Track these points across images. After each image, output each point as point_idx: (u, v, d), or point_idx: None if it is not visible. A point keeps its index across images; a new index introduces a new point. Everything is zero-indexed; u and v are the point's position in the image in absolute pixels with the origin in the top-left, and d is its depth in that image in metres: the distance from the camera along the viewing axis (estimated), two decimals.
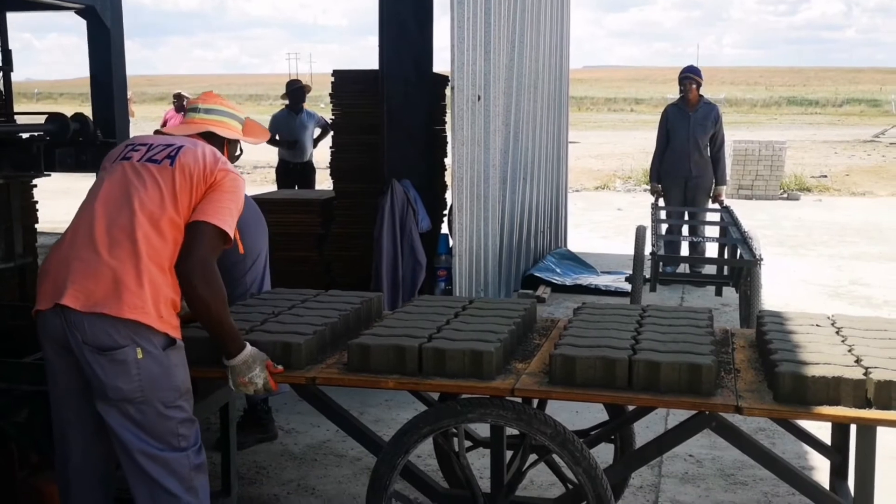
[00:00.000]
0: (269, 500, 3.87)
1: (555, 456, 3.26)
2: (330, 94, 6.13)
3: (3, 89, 4.53)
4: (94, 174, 3.84)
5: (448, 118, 5.92)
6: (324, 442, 4.52)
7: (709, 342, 2.95)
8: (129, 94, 14.80)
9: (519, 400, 2.83)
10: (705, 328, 3.17)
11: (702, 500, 3.93)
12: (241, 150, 3.25)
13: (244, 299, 4.26)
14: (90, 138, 3.66)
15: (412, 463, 3.01)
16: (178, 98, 16.20)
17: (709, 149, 8.38)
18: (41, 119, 3.84)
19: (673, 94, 8.59)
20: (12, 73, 4.54)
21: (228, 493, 3.69)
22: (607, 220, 12.98)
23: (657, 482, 4.10)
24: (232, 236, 2.79)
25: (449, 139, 5.57)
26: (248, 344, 2.79)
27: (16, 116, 4.72)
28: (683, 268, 8.35)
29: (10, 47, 4.50)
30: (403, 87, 5.60)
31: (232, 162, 3.09)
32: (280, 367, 2.86)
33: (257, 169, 20.43)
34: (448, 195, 6.31)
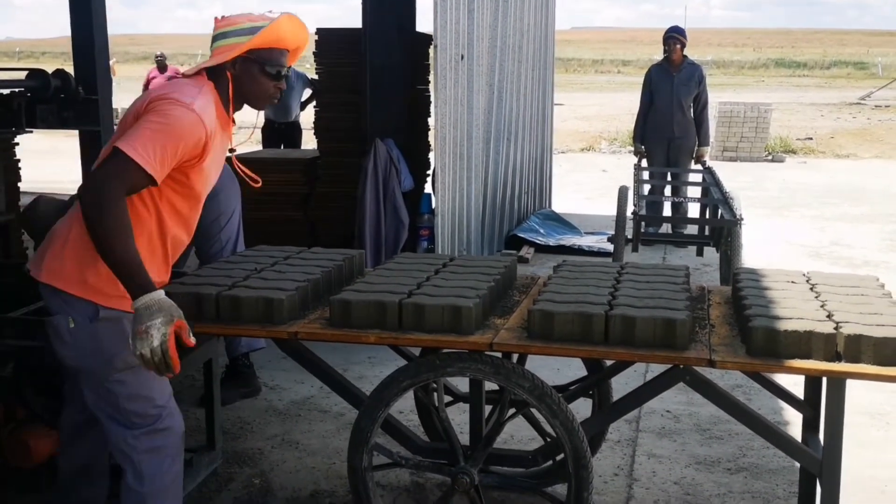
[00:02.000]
0: (254, 455, 3.93)
1: (533, 410, 3.33)
2: (314, 53, 6.11)
3: None
4: (77, 132, 3.86)
5: (431, 77, 5.91)
6: (308, 398, 4.58)
7: (684, 298, 3.00)
8: (112, 60, 14.76)
9: (499, 355, 2.89)
10: (682, 285, 3.21)
11: (677, 454, 4.02)
12: (278, 72, 2.67)
13: (220, 256, 4.32)
14: (72, 95, 3.66)
15: (392, 416, 3.06)
16: (161, 57, 16.09)
17: (692, 109, 8.41)
18: (22, 76, 3.83)
19: (660, 55, 8.56)
20: None
21: (213, 448, 3.76)
22: (592, 182, 13.02)
23: (634, 437, 4.18)
24: (140, 162, 2.37)
25: (432, 98, 5.57)
26: (161, 292, 2.40)
27: None
28: (666, 228, 8.42)
29: None
30: (386, 46, 5.59)
31: (264, 99, 2.70)
32: (192, 341, 2.45)
33: (242, 129, 20.34)
34: (432, 155, 6.33)
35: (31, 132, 3.68)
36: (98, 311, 2.51)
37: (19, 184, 5.58)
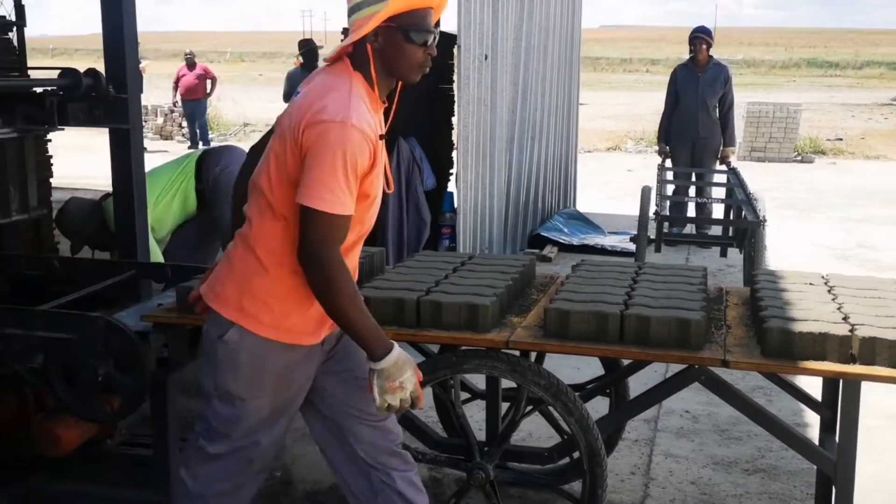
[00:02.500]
0: None
1: (550, 408, 3.37)
2: None
3: (16, 45, 4.60)
4: (107, 129, 3.94)
5: (455, 77, 5.95)
6: None
7: (700, 299, 3.03)
8: (145, 62, 14.83)
9: (516, 353, 2.93)
10: (698, 285, 3.24)
11: (695, 455, 4.04)
12: (432, 38, 2.37)
13: None
14: (102, 93, 3.73)
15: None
16: (190, 55, 16.26)
17: (718, 110, 8.38)
18: (54, 74, 3.91)
19: (689, 54, 8.53)
20: (26, 29, 4.61)
21: None
22: (617, 181, 13.00)
23: (652, 436, 4.21)
24: (338, 211, 2.22)
25: (455, 98, 5.62)
26: (395, 344, 2.35)
27: (29, 71, 4.80)
28: (690, 229, 8.41)
29: (23, 2, 4.57)
30: None
31: (415, 71, 2.39)
32: (420, 375, 2.43)
33: (269, 127, 20.47)
34: (454, 154, 6.37)
35: (63, 129, 3.76)
36: (227, 332, 2.40)
37: (51, 180, 5.71)
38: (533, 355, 3.33)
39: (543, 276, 3.70)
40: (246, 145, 17.93)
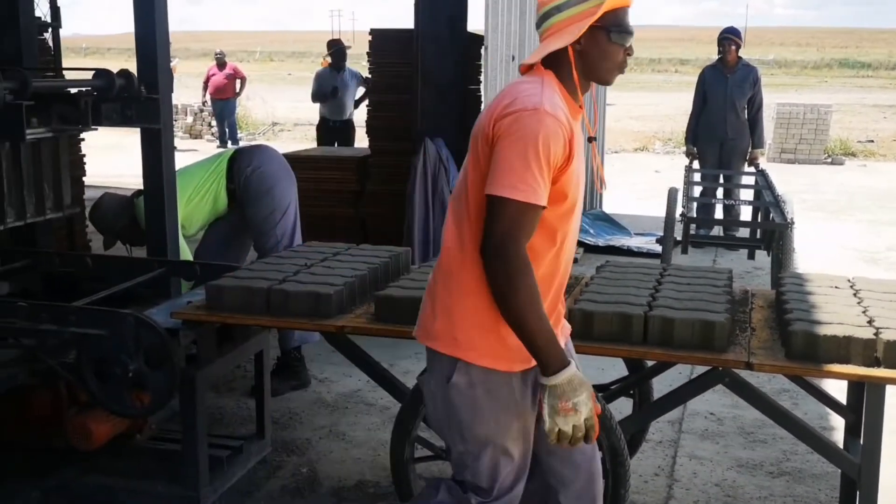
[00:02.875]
0: (302, 444, 4.05)
1: None
2: (367, 53, 6.22)
3: (51, 45, 4.68)
4: (139, 129, 4.01)
5: (482, 78, 5.98)
6: (355, 391, 4.69)
7: (724, 301, 3.03)
8: (175, 61, 14.97)
9: None
10: (723, 288, 3.25)
11: (719, 457, 4.04)
12: (631, 38, 2.25)
13: (276, 251, 4.45)
14: (134, 94, 3.79)
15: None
16: (221, 55, 16.40)
17: (746, 111, 8.34)
18: (87, 74, 3.99)
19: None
20: (61, 29, 4.69)
21: (263, 436, 3.89)
22: (645, 182, 12.96)
23: (677, 438, 4.21)
24: (527, 199, 2.07)
25: (483, 99, 5.64)
26: (572, 361, 2.16)
27: (63, 72, 4.88)
28: (717, 230, 8.37)
29: (58, 4, 4.65)
30: (438, 46, 5.66)
31: (614, 73, 2.27)
32: (600, 408, 2.27)
33: (298, 126, 20.63)
34: None
35: (97, 129, 3.83)
36: (453, 373, 2.25)
37: (84, 178, 5.81)
38: None
39: (570, 276, 3.71)
40: (275, 145, 18.06)
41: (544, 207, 2.12)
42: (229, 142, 16.47)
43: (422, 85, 5.58)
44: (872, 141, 18.50)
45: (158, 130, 3.95)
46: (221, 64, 16.17)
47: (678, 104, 27.42)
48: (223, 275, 3.39)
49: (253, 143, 5.09)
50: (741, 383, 2.95)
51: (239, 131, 17.64)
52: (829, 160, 16.03)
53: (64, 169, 4.09)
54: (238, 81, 16.35)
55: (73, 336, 3.25)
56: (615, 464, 2.91)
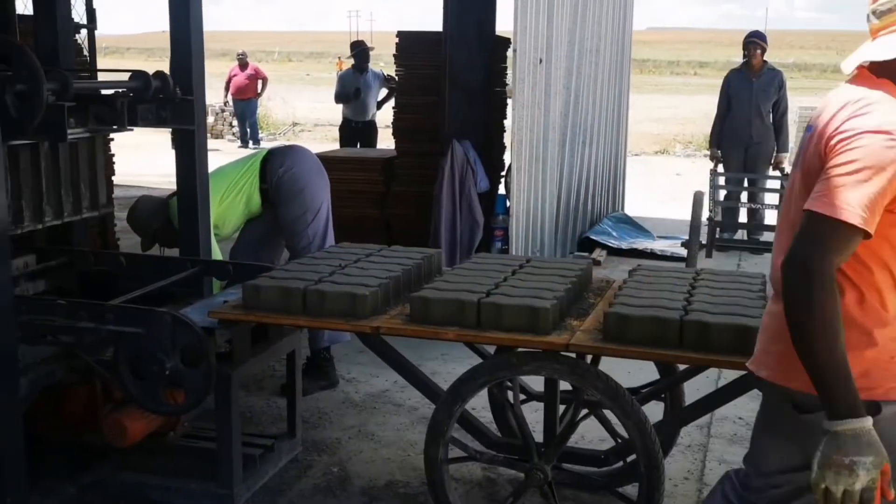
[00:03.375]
0: (332, 444, 4.08)
1: (605, 411, 3.40)
2: (394, 55, 6.26)
3: (85, 46, 4.73)
4: (169, 129, 4.06)
5: (509, 80, 6.00)
6: (383, 391, 4.72)
7: (760, 305, 3.04)
8: None
9: (573, 356, 2.97)
10: (758, 292, 3.25)
11: None
12: None
13: (308, 251, 4.49)
14: (170, 95, 3.83)
15: (468, 412, 3.17)
16: (242, 55, 16.48)
17: (771, 115, 8.32)
18: (121, 76, 4.03)
19: (739, 57, 8.48)
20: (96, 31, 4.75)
21: (294, 436, 3.92)
22: (666, 185, 12.94)
23: (706, 442, 4.21)
24: (845, 218, 1.83)
25: (510, 101, 5.67)
26: (868, 416, 1.86)
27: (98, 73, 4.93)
28: (741, 234, 8.35)
29: (94, 6, 4.70)
30: (466, 48, 5.69)
31: None
32: (893, 493, 1.89)
33: (318, 127, 20.71)
34: (506, 156, 6.42)
35: (132, 130, 3.88)
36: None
37: (112, 177, 5.87)
38: (588, 358, 3.37)
39: (599, 279, 3.73)
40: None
41: (868, 236, 1.87)
42: (250, 142, 16.55)
43: (450, 87, 5.61)
44: None
45: (192, 131, 3.99)
46: (243, 64, 16.25)
47: (697, 107, 27.32)
48: (259, 275, 3.42)
49: (286, 143, 5.11)
50: None
51: (260, 131, 17.72)
52: None
53: (100, 168, 4.14)
54: (259, 82, 16.43)
55: (111, 334, 3.28)
56: (650, 467, 2.93)
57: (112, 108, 3.82)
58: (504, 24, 5.95)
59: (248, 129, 16.73)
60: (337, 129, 11.59)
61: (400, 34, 6.25)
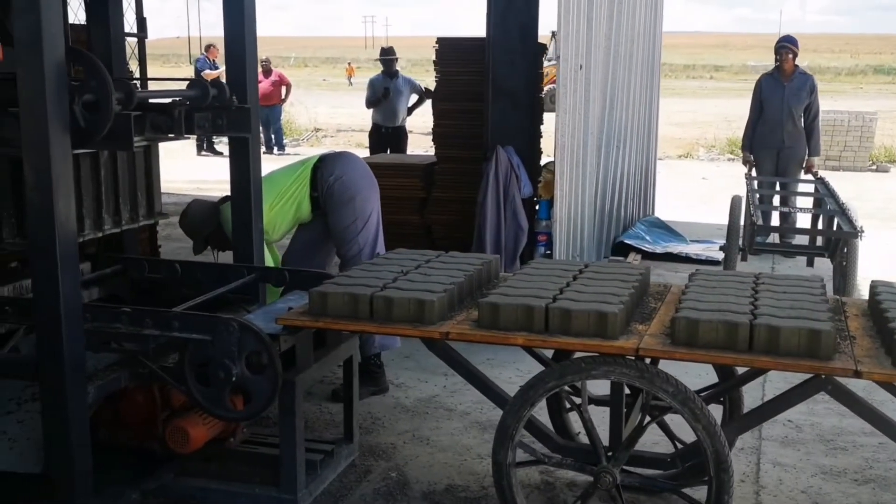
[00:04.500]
0: (387, 449, 4.10)
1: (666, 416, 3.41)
2: (434, 62, 6.29)
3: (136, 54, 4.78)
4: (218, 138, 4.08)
5: (550, 86, 6.02)
6: (433, 396, 4.74)
7: (825, 309, 3.05)
8: (221, 70, 15.09)
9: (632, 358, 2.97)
10: (820, 295, 3.26)
11: (802, 464, 4.04)
12: None
13: (358, 258, 4.51)
14: (226, 103, 3.87)
15: (534, 416, 3.19)
16: (266, 62, 16.54)
17: (803, 119, 8.32)
18: (173, 84, 4.08)
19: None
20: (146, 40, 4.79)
21: (351, 441, 3.94)
22: (693, 189, 12.93)
23: (758, 445, 4.21)
24: None
25: (556, 107, 5.67)
26: None
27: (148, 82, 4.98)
28: (772, 238, 8.34)
29: (144, 14, 4.75)
30: (509, 54, 5.72)
31: None
32: None
33: (340, 132, 20.77)
34: (542, 161, 6.44)
35: (189, 138, 3.92)
36: None
37: None
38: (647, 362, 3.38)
39: (657, 284, 3.75)
40: (319, 149, 18.16)
41: None
42: (275, 148, 16.62)
43: (493, 93, 5.64)
44: None
45: (247, 139, 4.03)
46: (267, 71, 16.32)
47: (716, 111, 27.30)
48: (322, 281, 3.45)
49: (336, 150, 5.15)
50: (844, 391, 2.96)
51: (283, 137, 17.80)
52: (875, 168, 15.88)
53: (155, 177, 4.18)
54: (284, 88, 16.50)
55: (177, 341, 3.32)
56: (719, 469, 2.94)
57: (169, 116, 3.86)
58: (543, 30, 5.97)
59: (273, 136, 16.80)
60: (361, 134, 11.66)
61: (439, 40, 6.28)
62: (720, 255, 7.34)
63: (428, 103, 8.96)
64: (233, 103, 3.92)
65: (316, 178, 4.57)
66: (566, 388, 3.16)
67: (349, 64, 53.61)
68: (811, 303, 3.13)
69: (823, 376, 2.89)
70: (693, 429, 2.96)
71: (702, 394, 3.66)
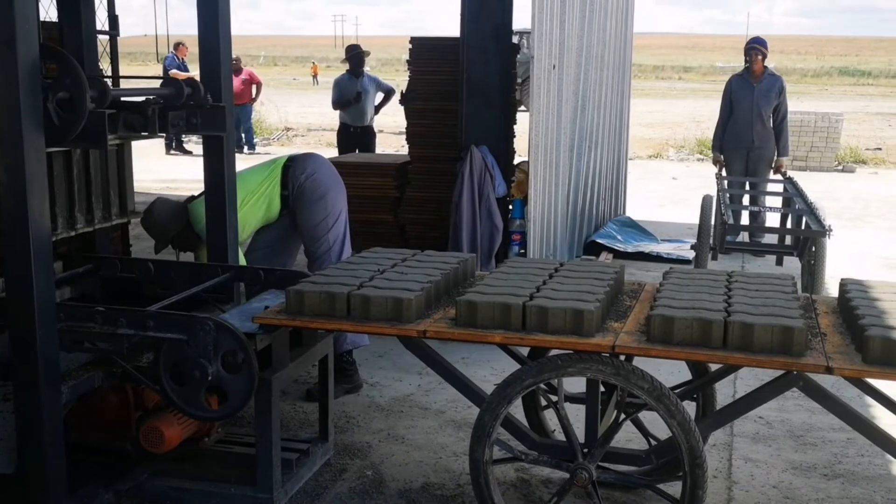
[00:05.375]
0: (363, 447, 4.10)
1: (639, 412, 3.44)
2: (407, 61, 6.29)
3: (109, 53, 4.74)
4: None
5: (519, 85, 6.05)
6: (407, 395, 4.74)
7: (797, 306, 3.10)
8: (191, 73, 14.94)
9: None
10: (791, 293, 3.31)
11: (773, 459, 4.10)
12: None
13: (328, 256, 4.53)
14: (200, 102, 3.84)
15: (511, 414, 3.20)
16: (236, 61, 16.43)
17: (772, 120, 8.43)
18: (145, 83, 4.05)
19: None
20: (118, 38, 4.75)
21: (326, 439, 3.94)
22: (663, 189, 13.04)
23: (730, 441, 4.27)
24: None
25: (529, 107, 5.70)
26: None
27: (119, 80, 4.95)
28: (742, 237, 8.45)
29: (116, 12, 4.71)
30: (483, 54, 5.73)
31: None
32: None
33: (311, 131, 20.70)
34: (515, 161, 6.47)
35: (162, 136, 3.89)
36: None
37: None
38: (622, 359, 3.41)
39: (631, 283, 3.78)
40: (290, 149, 18.09)
41: None
42: (245, 147, 16.52)
43: (466, 93, 5.65)
44: (880, 148, 18.59)
45: (221, 138, 4.01)
46: (237, 70, 16.21)
47: (685, 111, 27.53)
48: (300, 280, 3.44)
49: (306, 151, 5.15)
50: (815, 387, 3.01)
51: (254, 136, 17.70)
52: (841, 168, 16.11)
53: (128, 175, 4.15)
54: (254, 87, 16.41)
55: (152, 340, 3.29)
56: (693, 465, 2.97)
57: (143, 114, 3.83)
58: (516, 28, 6.00)
59: (244, 135, 16.70)
60: (331, 133, 11.64)
61: (413, 40, 6.29)
62: (691, 255, 7.42)
63: (395, 102, 8.97)
64: (207, 102, 3.90)
65: (286, 176, 4.57)
66: (542, 385, 3.19)
67: (314, 64, 53.96)
68: (783, 300, 3.18)
69: (795, 372, 2.94)
70: (668, 425, 2.99)
71: (676, 390, 3.71)
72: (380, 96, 10.81)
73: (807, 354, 2.87)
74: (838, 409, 3.05)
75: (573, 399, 3.63)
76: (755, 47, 8.36)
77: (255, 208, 4.58)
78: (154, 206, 4.66)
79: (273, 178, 4.60)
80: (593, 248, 7.94)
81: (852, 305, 3.17)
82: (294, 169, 4.60)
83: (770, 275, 3.64)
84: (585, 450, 3.15)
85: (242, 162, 5.06)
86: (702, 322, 2.90)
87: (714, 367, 3.54)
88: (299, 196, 4.58)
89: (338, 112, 10.77)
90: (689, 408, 3.77)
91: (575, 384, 3.54)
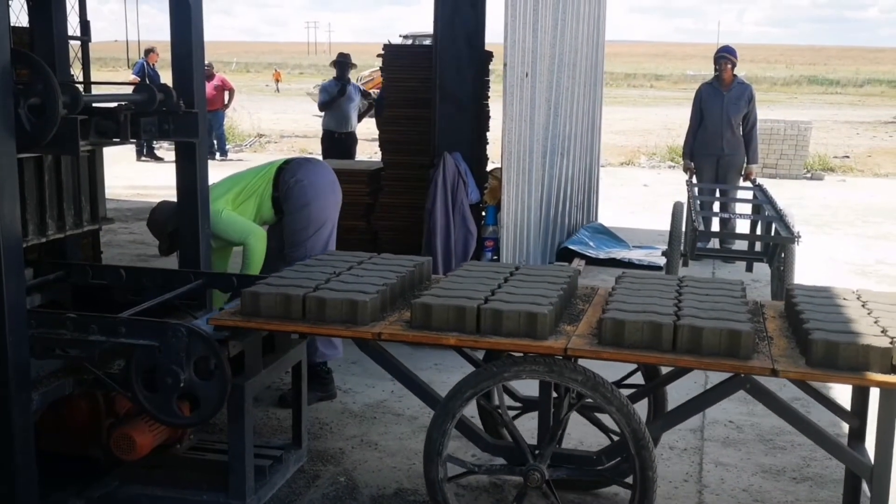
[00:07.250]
0: (336, 454, 4.12)
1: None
2: (380, 68, 6.32)
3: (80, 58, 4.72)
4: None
5: (492, 94, 6.10)
6: (381, 401, 4.76)
7: (745, 311, 3.17)
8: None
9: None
10: (740, 298, 3.38)
11: (743, 463, 4.16)
12: None
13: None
14: (173, 108, 3.85)
15: (464, 416, 3.22)
16: (209, 66, 16.36)
17: (741, 128, 8.55)
18: (117, 89, 4.05)
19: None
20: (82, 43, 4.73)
21: (299, 446, 3.94)
22: (634, 196, 13.15)
23: (700, 445, 4.33)
24: None
25: (502, 115, 5.76)
26: None
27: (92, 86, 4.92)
28: (713, 243, 8.55)
29: (87, 18, 4.69)
30: (457, 61, 5.78)
31: None
32: None
33: (284, 138, 20.64)
34: (489, 168, 6.52)
35: (133, 143, 3.89)
36: None
37: None
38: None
39: (584, 287, 3.83)
40: (262, 155, 17.97)
41: None
42: (217, 154, 16.46)
43: (439, 100, 5.69)
44: (848, 156, 18.86)
45: (194, 144, 4.01)
46: (209, 76, 16.14)
47: (657, 119, 27.76)
48: (257, 281, 3.45)
49: (306, 156, 5.19)
50: (762, 390, 3.08)
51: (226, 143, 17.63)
52: (809, 175, 16.31)
53: (100, 182, 4.14)
54: (226, 93, 16.35)
55: (123, 347, 3.29)
56: (639, 447, 3.02)
57: (115, 120, 3.83)
58: (490, 38, 6.05)
59: (216, 141, 16.63)
60: (304, 140, 11.70)
61: (386, 47, 6.33)
62: (662, 261, 7.50)
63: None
64: (180, 108, 3.91)
65: (279, 178, 4.60)
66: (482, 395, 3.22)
67: (276, 70, 54.64)
68: (731, 305, 3.25)
69: (743, 375, 3.00)
70: (607, 412, 3.06)
71: (624, 390, 3.76)
72: (364, 104, 10.96)
73: (754, 357, 2.94)
74: (783, 411, 3.13)
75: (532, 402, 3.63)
76: (725, 56, 8.48)
77: (246, 203, 4.63)
78: (157, 208, 4.68)
79: (266, 179, 4.64)
80: (566, 255, 8.00)
81: (798, 310, 3.24)
82: (286, 173, 4.64)
83: (720, 280, 3.73)
84: (537, 451, 3.18)
85: (215, 169, 5.06)
86: (652, 325, 2.96)
87: (665, 369, 3.59)
88: (286, 200, 4.63)
89: (320, 120, 10.90)
90: (642, 411, 3.84)
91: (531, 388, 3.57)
